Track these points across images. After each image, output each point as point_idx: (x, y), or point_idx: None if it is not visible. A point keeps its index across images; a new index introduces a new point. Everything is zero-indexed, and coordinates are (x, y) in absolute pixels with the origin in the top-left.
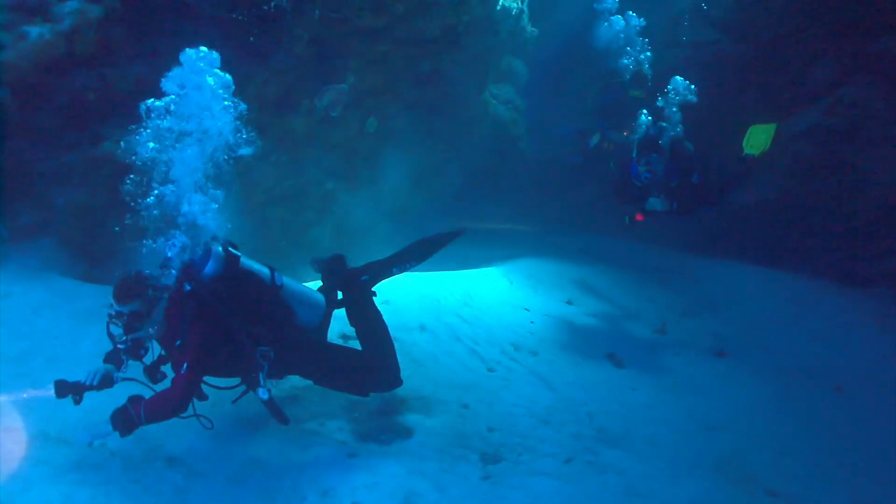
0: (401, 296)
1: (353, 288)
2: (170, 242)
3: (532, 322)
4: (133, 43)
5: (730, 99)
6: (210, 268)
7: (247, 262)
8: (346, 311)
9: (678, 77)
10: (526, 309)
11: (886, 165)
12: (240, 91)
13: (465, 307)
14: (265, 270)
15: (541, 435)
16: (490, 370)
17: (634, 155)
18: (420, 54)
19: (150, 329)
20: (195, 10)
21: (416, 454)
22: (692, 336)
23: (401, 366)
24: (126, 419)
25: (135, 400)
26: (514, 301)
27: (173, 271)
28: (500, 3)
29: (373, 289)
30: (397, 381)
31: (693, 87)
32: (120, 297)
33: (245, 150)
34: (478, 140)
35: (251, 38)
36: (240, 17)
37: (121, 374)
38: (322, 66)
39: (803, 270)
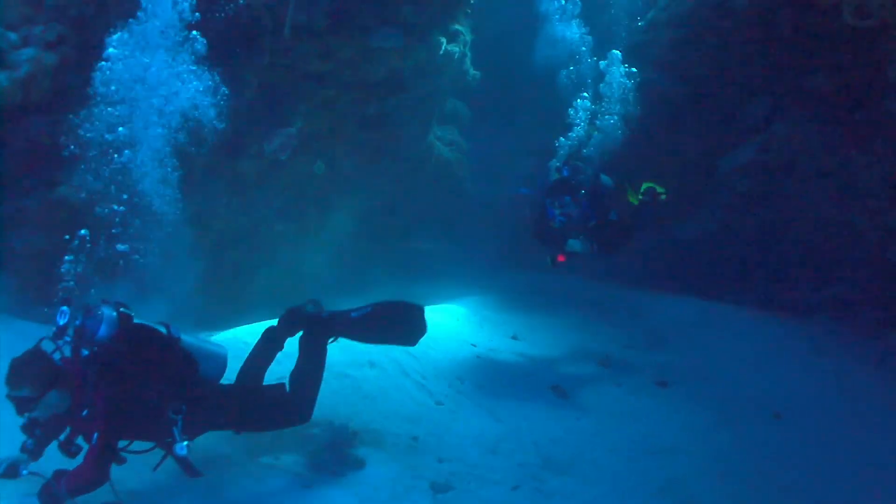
0: None
1: (318, 325)
2: (59, 311)
3: (478, 356)
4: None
5: (667, 138)
6: (104, 330)
7: (140, 320)
8: (302, 346)
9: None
10: (473, 344)
11: (821, 198)
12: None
13: None
14: (160, 328)
15: (489, 464)
16: (438, 403)
17: (547, 199)
18: (366, 98)
19: (47, 409)
20: None
21: (369, 484)
22: (634, 368)
23: (352, 401)
24: (50, 496)
25: (59, 474)
26: (460, 337)
27: (67, 338)
28: (444, 48)
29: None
30: (305, 420)
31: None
32: (9, 382)
33: None
34: (424, 181)
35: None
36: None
37: (28, 469)
38: (271, 111)
39: (744, 302)
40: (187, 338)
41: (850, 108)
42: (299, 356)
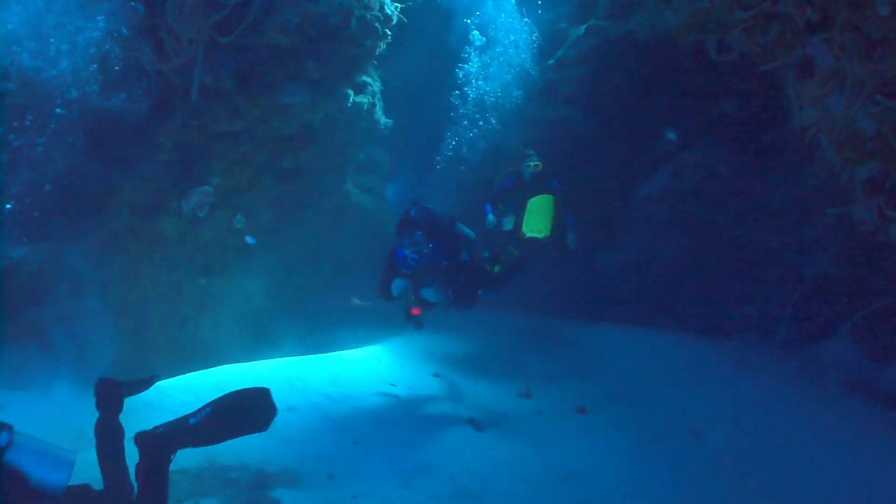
0: (268, 379)
1: (153, 449)
2: None
3: (397, 396)
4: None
5: (583, 172)
6: None
7: None
8: (139, 476)
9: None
10: (392, 384)
11: (735, 220)
12: (110, 198)
13: (333, 387)
14: None
15: (402, 497)
16: (355, 442)
17: (396, 238)
18: (281, 152)
19: None
20: (66, 125)
21: None
22: (556, 397)
23: (270, 445)
24: None
25: None
26: (381, 377)
27: None
28: (352, 100)
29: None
30: None
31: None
32: None
33: None
34: (346, 229)
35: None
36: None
37: None
38: (188, 170)
39: (668, 327)
40: (23, 441)
41: (757, 131)
42: (138, 490)
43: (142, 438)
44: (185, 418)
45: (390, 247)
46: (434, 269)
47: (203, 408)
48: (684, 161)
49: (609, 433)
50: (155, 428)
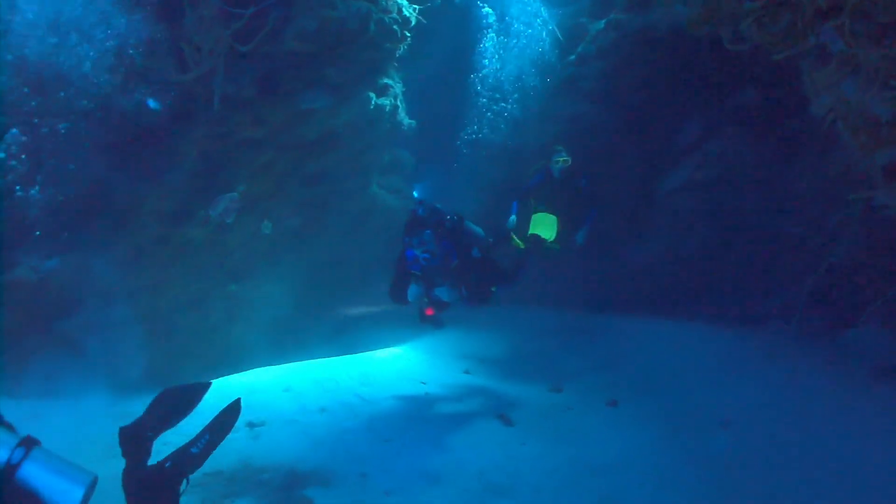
0: (300, 381)
1: (160, 481)
2: None
3: (427, 394)
4: (37, 173)
5: (605, 166)
6: None
7: None
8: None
9: None
10: (423, 382)
11: (760, 209)
12: (137, 209)
13: (363, 386)
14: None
15: (433, 492)
16: (386, 440)
17: (405, 238)
18: (304, 157)
19: None
20: (91, 138)
21: None
22: (587, 391)
23: (302, 446)
24: None
25: None
26: (411, 376)
27: None
28: (373, 103)
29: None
30: None
31: None
32: None
33: None
34: (372, 230)
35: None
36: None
37: None
38: (213, 178)
39: (697, 318)
40: (36, 463)
41: (780, 119)
42: None
43: (152, 474)
44: (188, 448)
45: (399, 249)
46: (445, 268)
47: (202, 434)
48: (707, 152)
49: (637, 426)
50: (163, 462)
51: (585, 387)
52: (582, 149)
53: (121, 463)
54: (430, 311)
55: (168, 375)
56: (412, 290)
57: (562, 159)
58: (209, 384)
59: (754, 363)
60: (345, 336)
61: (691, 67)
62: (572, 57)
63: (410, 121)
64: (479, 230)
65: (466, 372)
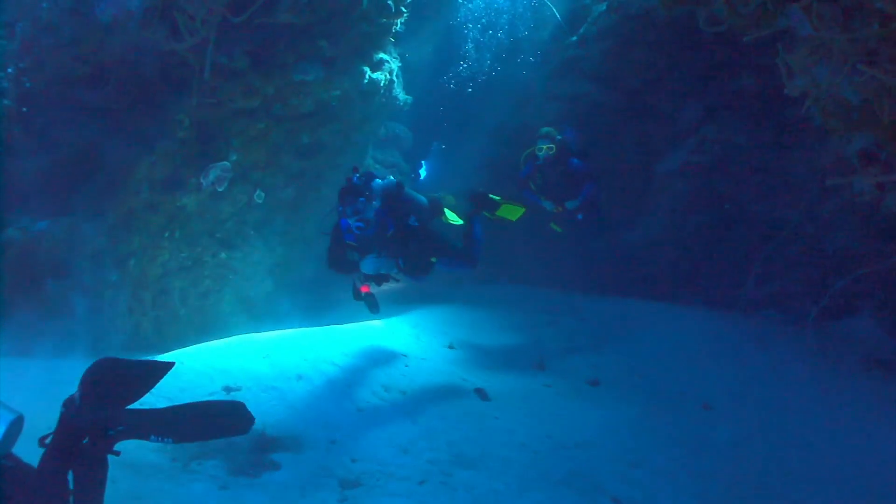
0: (281, 349)
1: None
2: None
3: (407, 366)
4: (32, 138)
5: (605, 147)
6: None
7: None
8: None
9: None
10: (404, 354)
11: (757, 194)
12: (129, 174)
13: (344, 357)
14: None
15: (399, 462)
16: (359, 409)
17: (339, 207)
18: (298, 128)
19: None
20: (87, 103)
21: (281, 484)
22: (570, 370)
23: (276, 411)
24: None
25: None
26: (393, 348)
27: None
28: (367, 77)
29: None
30: None
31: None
32: None
33: None
34: None
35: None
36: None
37: None
38: (205, 146)
39: (691, 302)
40: None
41: (778, 105)
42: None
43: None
44: (148, 430)
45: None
46: (381, 237)
47: (173, 423)
48: (705, 135)
49: (618, 405)
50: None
51: (570, 366)
52: (582, 128)
53: None
54: (365, 289)
55: (154, 341)
56: (367, 263)
57: (545, 146)
58: (171, 364)
59: (743, 348)
60: (332, 307)
61: (692, 50)
62: (574, 38)
63: (407, 96)
64: (421, 199)
65: (450, 347)
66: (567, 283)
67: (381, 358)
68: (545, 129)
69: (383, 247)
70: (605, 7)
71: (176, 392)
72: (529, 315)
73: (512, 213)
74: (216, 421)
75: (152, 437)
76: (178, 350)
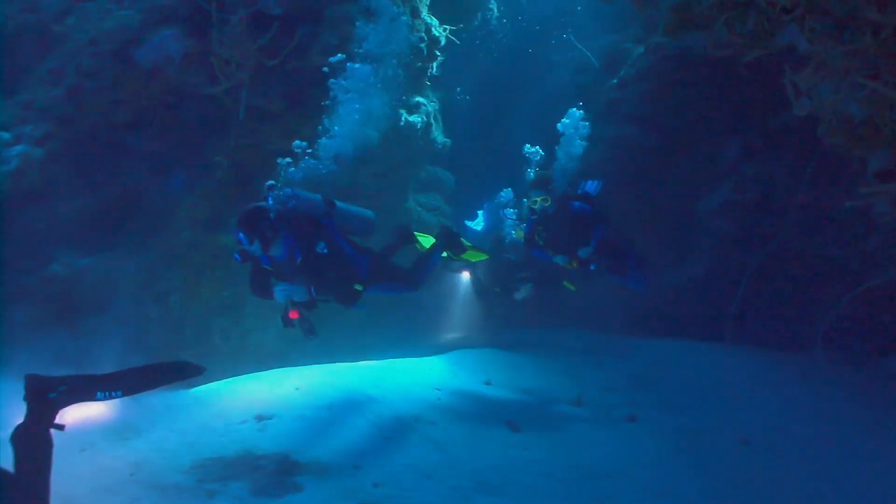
0: (315, 381)
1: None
2: None
3: (439, 399)
4: (76, 178)
5: (647, 188)
6: None
7: None
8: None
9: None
10: (437, 388)
11: (800, 231)
12: (171, 214)
13: (375, 388)
14: None
15: (422, 486)
16: (386, 438)
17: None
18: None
19: None
20: (131, 148)
21: None
22: (608, 406)
23: (304, 438)
24: None
25: None
26: (427, 382)
27: None
28: (404, 119)
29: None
30: None
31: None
32: None
33: None
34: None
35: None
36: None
37: None
38: (244, 187)
39: (743, 341)
40: None
41: (819, 140)
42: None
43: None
44: (93, 388)
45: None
46: (292, 265)
47: (119, 380)
48: (744, 173)
49: (652, 439)
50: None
51: (607, 403)
52: (624, 170)
53: None
54: (294, 314)
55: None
56: (280, 291)
57: (539, 199)
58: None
59: (785, 386)
60: (370, 344)
61: (731, 88)
62: (614, 80)
63: (445, 139)
64: (364, 212)
65: (487, 383)
66: (611, 326)
67: (414, 391)
68: (534, 175)
69: (295, 274)
70: (643, 49)
71: (209, 418)
72: (570, 356)
73: (475, 256)
74: (163, 372)
75: (98, 394)
76: (216, 381)
